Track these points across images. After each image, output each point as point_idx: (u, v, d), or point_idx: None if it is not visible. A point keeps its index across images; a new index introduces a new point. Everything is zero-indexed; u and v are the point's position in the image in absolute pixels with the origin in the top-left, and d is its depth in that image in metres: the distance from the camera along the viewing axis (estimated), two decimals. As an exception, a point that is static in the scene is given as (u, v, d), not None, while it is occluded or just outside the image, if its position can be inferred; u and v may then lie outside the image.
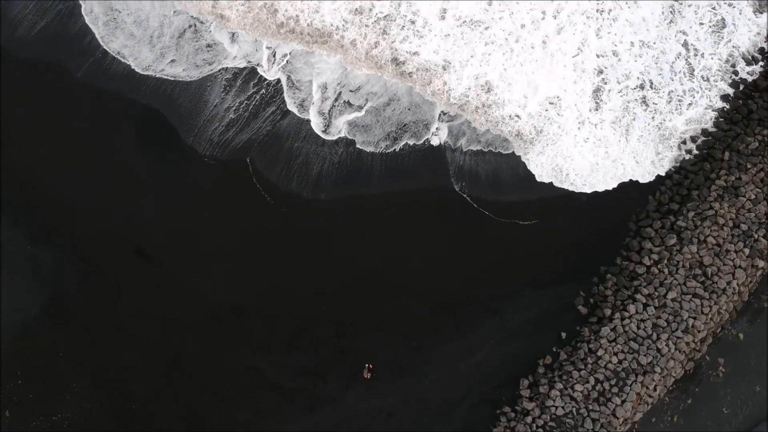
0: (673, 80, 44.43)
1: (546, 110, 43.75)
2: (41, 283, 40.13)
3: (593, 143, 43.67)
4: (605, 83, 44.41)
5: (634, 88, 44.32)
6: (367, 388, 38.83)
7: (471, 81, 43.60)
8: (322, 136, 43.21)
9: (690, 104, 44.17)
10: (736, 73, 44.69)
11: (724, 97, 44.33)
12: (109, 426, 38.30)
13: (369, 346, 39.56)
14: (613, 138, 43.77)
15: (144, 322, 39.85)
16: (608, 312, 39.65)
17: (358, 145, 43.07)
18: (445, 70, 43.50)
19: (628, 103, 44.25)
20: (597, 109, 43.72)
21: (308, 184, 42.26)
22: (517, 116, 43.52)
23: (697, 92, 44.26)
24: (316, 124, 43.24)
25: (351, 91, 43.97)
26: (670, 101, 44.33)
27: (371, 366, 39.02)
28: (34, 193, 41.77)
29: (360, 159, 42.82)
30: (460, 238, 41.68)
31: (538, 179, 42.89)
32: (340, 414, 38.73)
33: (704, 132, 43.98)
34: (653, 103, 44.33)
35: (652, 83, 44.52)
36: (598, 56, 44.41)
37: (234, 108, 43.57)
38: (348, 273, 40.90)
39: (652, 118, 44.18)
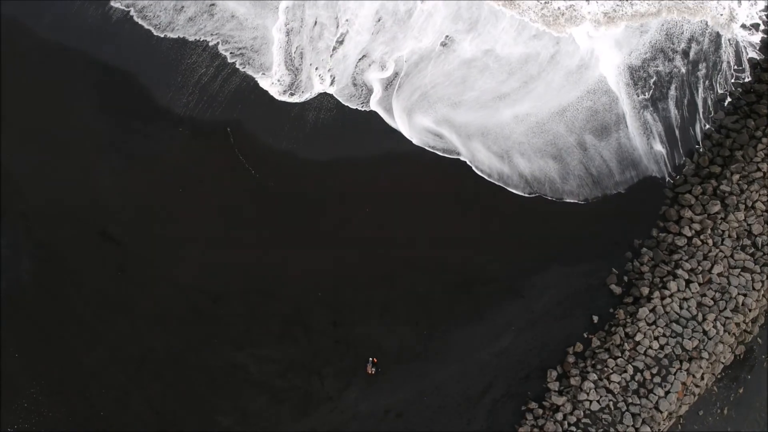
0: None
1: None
2: (-10, 273, 38.53)
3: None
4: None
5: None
6: (371, 385, 37.36)
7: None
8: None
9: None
10: (778, 22, 44.16)
11: (765, 48, 42.94)
12: (73, 435, 36.79)
13: (372, 336, 38.12)
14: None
15: (109, 315, 38.20)
16: (646, 291, 38.20)
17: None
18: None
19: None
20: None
21: (300, 144, 40.34)
22: None
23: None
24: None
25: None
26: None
27: (375, 359, 37.64)
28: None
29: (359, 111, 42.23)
30: (476, 209, 40.00)
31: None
32: (340, 415, 37.08)
33: (746, 86, 42.53)
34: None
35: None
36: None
37: None
38: (345, 251, 39.25)
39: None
